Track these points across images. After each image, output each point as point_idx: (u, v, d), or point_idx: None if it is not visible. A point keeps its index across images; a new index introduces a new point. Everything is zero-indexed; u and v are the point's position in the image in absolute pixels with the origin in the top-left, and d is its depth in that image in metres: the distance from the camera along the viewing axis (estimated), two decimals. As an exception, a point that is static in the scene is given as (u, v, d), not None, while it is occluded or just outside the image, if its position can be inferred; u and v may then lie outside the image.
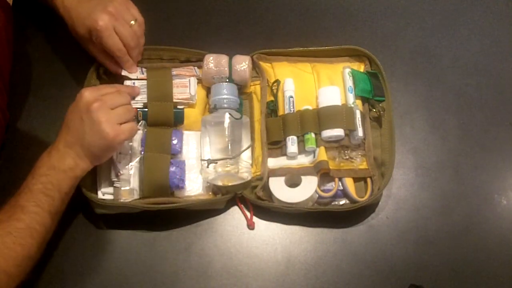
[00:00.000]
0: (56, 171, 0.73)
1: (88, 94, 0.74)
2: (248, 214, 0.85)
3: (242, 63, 0.88)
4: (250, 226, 0.85)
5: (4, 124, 0.88)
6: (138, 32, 0.86)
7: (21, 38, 0.96)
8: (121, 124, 0.75)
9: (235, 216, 0.86)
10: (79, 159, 0.75)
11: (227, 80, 0.88)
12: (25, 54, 0.97)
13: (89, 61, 0.90)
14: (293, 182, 0.84)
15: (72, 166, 0.74)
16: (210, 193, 0.84)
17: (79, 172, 0.75)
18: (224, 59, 0.89)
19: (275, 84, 0.89)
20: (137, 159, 0.83)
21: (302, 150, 0.85)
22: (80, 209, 0.85)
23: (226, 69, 0.88)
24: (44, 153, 0.75)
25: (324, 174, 0.83)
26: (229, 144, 0.83)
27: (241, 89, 0.91)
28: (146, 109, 0.85)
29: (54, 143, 0.75)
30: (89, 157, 0.75)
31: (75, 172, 0.74)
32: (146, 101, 0.85)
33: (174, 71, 0.89)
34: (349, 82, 0.88)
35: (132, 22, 0.85)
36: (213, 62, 0.88)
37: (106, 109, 0.74)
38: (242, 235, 0.85)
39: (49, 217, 0.72)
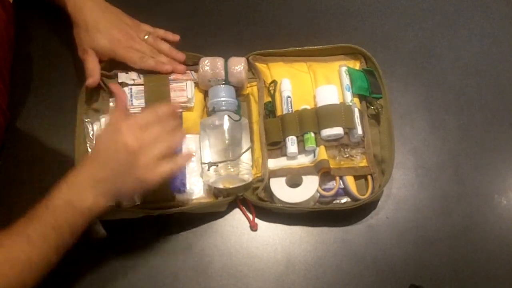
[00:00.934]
0: (73, 209, 0.67)
1: (129, 134, 0.68)
2: (250, 215, 0.85)
3: (238, 65, 0.88)
4: (253, 227, 0.85)
5: (4, 124, 0.88)
6: (154, 43, 0.90)
7: (21, 38, 0.96)
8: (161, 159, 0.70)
9: (235, 216, 0.86)
10: (102, 197, 0.68)
11: (224, 82, 0.88)
12: (25, 54, 0.97)
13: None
14: (294, 182, 0.84)
15: (91, 205, 0.68)
16: (212, 196, 0.84)
17: (98, 211, 0.69)
18: (219, 61, 0.88)
19: (272, 84, 0.89)
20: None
21: (302, 150, 0.85)
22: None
23: (222, 71, 0.87)
24: (63, 183, 0.68)
25: (324, 173, 0.83)
26: (229, 146, 0.83)
27: (238, 91, 0.90)
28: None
29: (75, 171, 0.69)
30: (114, 196, 0.71)
31: (93, 212, 0.68)
32: (144, 106, 0.85)
33: (171, 76, 0.89)
34: (346, 81, 0.88)
35: (146, 37, 0.90)
36: (209, 65, 0.88)
37: (149, 151, 0.69)
38: (242, 236, 0.85)
39: (54, 253, 0.67)
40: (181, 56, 0.90)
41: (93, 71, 0.85)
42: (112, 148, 0.69)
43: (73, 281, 0.81)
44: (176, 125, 0.75)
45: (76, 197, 0.67)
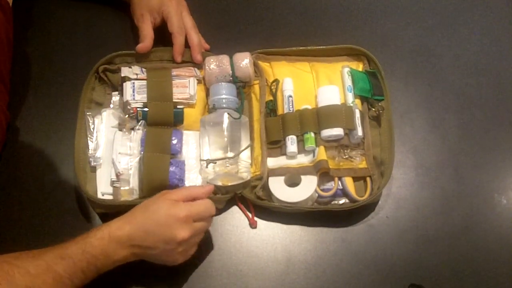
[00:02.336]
0: (106, 259, 0.71)
1: (184, 228, 0.72)
2: (249, 213, 0.85)
3: (244, 59, 0.89)
4: (253, 225, 0.85)
5: (5, 124, 0.88)
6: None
7: (21, 38, 0.96)
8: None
9: (235, 215, 0.86)
10: (133, 256, 0.73)
11: (231, 78, 0.88)
12: (25, 54, 0.97)
13: (89, 61, 0.90)
14: (292, 181, 0.84)
15: (123, 259, 0.73)
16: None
17: (125, 262, 0.74)
18: (225, 58, 0.89)
19: (274, 83, 0.89)
20: (137, 159, 0.83)
21: (301, 149, 0.85)
22: (80, 208, 0.85)
23: (228, 67, 0.88)
24: (106, 233, 0.71)
25: (323, 173, 0.83)
26: (228, 144, 0.83)
27: (245, 85, 0.91)
28: (146, 109, 0.85)
29: (121, 225, 0.72)
30: (144, 258, 0.75)
31: (121, 262, 0.73)
32: (146, 101, 0.85)
33: (174, 72, 0.89)
34: (348, 81, 0.88)
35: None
36: (215, 62, 0.89)
37: (191, 242, 0.75)
38: (242, 235, 0.85)
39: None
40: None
41: (146, 37, 0.91)
42: (163, 229, 0.72)
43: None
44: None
45: (113, 252, 0.71)
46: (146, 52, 0.91)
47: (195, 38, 0.92)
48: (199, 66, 0.91)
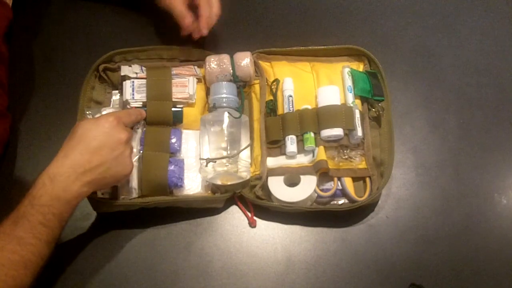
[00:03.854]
0: (60, 202, 0.67)
1: (122, 129, 0.74)
2: (248, 213, 0.85)
3: (245, 59, 0.89)
4: (252, 224, 0.85)
5: (8, 127, 0.88)
6: None
7: (21, 38, 0.96)
8: None
9: (235, 215, 0.86)
10: (87, 187, 0.70)
11: (232, 77, 0.88)
12: (25, 54, 0.97)
13: (89, 61, 0.90)
14: (292, 181, 0.84)
15: (78, 195, 0.69)
16: (209, 192, 0.84)
17: (81, 199, 0.71)
18: (226, 58, 0.89)
19: (274, 83, 0.89)
20: (136, 157, 0.83)
21: (301, 149, 0.85)
22: (79, 208, 0.85)
23: (229, 66, 0.88)
24: (45, 178, 0.67)
25: (323, 173, 0.83)
26: (228, 143, 0.83)
27: (246, 85, 0.91)
28: (145, 108, 0.85)
29: (57, 162, 0.69)
30: (97, 185, 0.72)
31: (78, 200, 0.70)
32: (145, 100, 0.85)
33: (174, 70, 0.89)
34: (349, 82, 0.88)
35: None
36: (216, 62, 0.89)
37: (130, 143, 0.76)
38: (242, 234, 0.85)
39: (47, 247, 0.67)
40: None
41: (183, 13, 0.88)
42: (104, 139, 0.71)
43: (72, 281, 0.81)
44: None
45: (63, 191, 0.68)
46: (191, 30, 0.89)
47: (207, 11, 0.89)
48: (199, 64, 0.91)
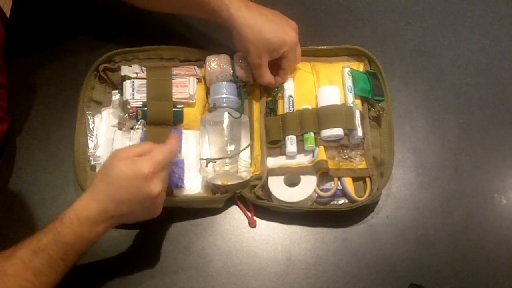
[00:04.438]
0: (83, 241, 0.68)
1: (154, 182, 0.69)
2: (248, 212, 0.85)
3: (245, 60, 0.88)
4: (252, 224, 0.85)
5: (5, 130, 0.88)
6: None
7: (21, 38, 0.96)
8: None
9: (235, 215, 0.86)
10: (110, 227, 0.71)
11: (232, 78, 0.88)
12: (25, 54, 0.97)
13: (89, 61, 0.90)
14: (292, 181, 0.84)
15: (102, 234, 0.70)
16: (209, 192, 0.84)
17: (103, 235, 0.71)
18: (226, 58, 0.89)
19: (276, 89, 0.89)
20: (137, 158, 0.83)
21: (301, 149, 0.85)
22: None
23: (229, 67, 0.88)
24: (73, 217, 0.67)
25: (323, 173, 0.83)
26: (228, 143, 0.83)
27: (246, 85, 0.91)
28: (146, 108, 0.85)
29: (88, 207, 0.68)
30: (121, 223, 0.72)
31: (101, 238, 0.70)
32: (145, 100, 0.85)
33: (174, 71, 0.89)
34: (349, 82, 0.88)
35: None
36: (216, 62, 0.89)
37: (163, 192, 0.72)
38: (242, 234, 0.85)
39: (60, 277, 0.68)
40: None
41: (272, 79, 0.86)
42: (134, 193, 0.69)
43: (72, 280, 0.81)
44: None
45: (87, 231, 0.68)
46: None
47: (291, 68, 0.88)
48: (199, 64, 0.91)
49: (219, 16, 0.81)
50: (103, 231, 0.70)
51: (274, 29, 0.82)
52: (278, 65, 0.87)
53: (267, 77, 0.86)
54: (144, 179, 0.68)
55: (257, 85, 0.92)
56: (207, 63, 0.89)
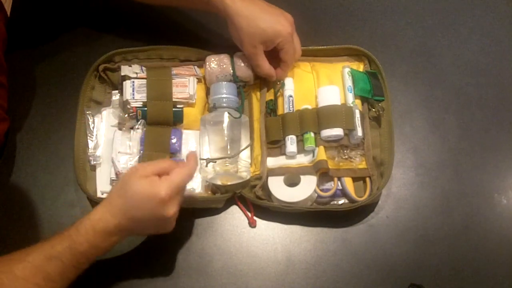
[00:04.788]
0: (96, 250, 0.70)
1: (170, 205, 0.70)
2: (248, 212, 0.85)
3: (245, 60, 0.89)
4: (252, 224, 0.85)
5: (5, 130, 0.88)
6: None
7: (21, 38, 0.96)
8: None
9: (235, 215, 0.86)
10: (123, 238, 0.73)
11: (232, 78, 0.88)
12: (25, 54, 0.97)
13: (89, 61, 0.90)
14: (292, 181, 0.84)
15: (114, 244, 0.72)
16: (209, 192, 0.84)
17: (115, 245, 0.73)
18: (226, 58, 0.89)
19: (278, 84, 0.89)
20: (136, 158, 0.83)
21: (301, 149, 0.85)
22: (79, 207, 0.85)
23: (229, 67, 0.88)
24: (89, 228, 0.68)
25: (323, 173, 0.83)
26: (228, 143, 0.83)
27: (246, 85, 0.91)
28: (146, 108, 0.85)
29: (105, 220, 0.69)
30: (132, 235, 0.75)
31: (113, 247, 0.72)
32: (145, 100, 0.85)
33: (174, 70, 0.89)
34: (349, 82, 0.88)
35: None
36: (216, 62, 0.89)
37: (177, 212, 0.73)
38: (242, 234, 0.85)
39: (67, 285, 0.69)
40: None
41: (271, 71, 0.86)
42: (149, 213, 0.70)
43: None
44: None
45: (102, 241, 0.70)
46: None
47: (292, 59, 0.88)
48: (199, 64, 0.91)
49: (214, 6, 0.82)
50: (116, 241, 0.71)
51: (268, 19, 0.82)
52: (278, 58, 0.87)
53: (265, 67, 0.86)
54: (160, 202, 0.69)
55: (258, 85, 0.92)
56: (207, 63, 0.89)
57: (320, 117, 0.85)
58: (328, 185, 0.84)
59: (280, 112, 0.88)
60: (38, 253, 0.67)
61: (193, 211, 0.85)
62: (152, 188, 0.68)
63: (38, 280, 0.65)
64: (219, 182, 0.82)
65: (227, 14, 0.82)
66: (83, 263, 0.69)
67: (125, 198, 0.69)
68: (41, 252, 0.67)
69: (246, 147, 0.84)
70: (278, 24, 0.83)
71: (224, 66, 0.88)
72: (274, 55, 0.87)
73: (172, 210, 0.70)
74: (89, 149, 0.85)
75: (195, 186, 0.84)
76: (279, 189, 0.83)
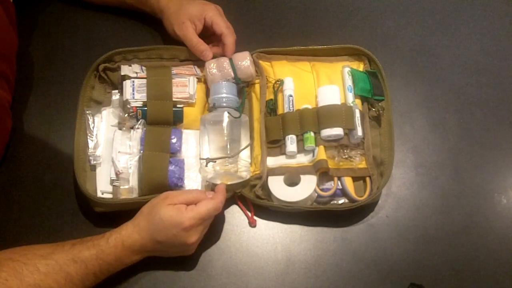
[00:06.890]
0: (118, 263, 0.74)
1: (193, 234, 0.75)
2: (249, 212, 0.85)
3: (244, 60, 0.89)
4: (252, 223, 0.85)
5: (9, 127, 0.89)
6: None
7: (21, 38, 0.96)
8: None
9: (235, 215, 0.86)
10: (144, 257, 0.77)
11: (233, 80, 0.88)
12: (25, 54, 0.97)
13: (89, 61, 0.90)
14: (292, 181, 0.84)
15: (134, 262, 0.76)
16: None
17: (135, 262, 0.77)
18: (225, 61, 0.89)
19: (277, 83, 0.89)
20: (136, 158, 0.83)
21: (301, 149, 0.85)
22: (79, 207, 0.85)
23: (230, 70, 0.88)
24: (119, 242, 0.73)
25: (323, 173, 0.83)
26: (228, 143, 0.83)
27: (248, 84, 0.91)
28: (146, 108, 0.85)
29: (134, 237, 0.74)
30: (153, 255, 0.78)
31: (132, 263, 0.77)
32: (145, 100, 0.85)
33: (174, 70, 0.89)
34: (349, 81, 0.88)
35: None
36: (216, 67, 0.88)
37: (200, 238, 0.77)
38: (242, 234, 0.85)
39: None
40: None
41: (199, 43, 0.89)
42: (172, 238, 0.74)
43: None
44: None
45: (126, 257, 0.75)
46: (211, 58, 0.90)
47: (231, 39, 0.91)
48: (200, 64, 0.91)
49: (151, 8, 0.94)
50: (136, 260, 0.76)
51: (195, 3, 0.91)
52: (217, 37, 0.91)
53: (199, 47, 0.89)
54: (183, 230, 0.73)
55: (258, 85, 0.92)
56: (207, 69, 0.88)
57: (320, 117, 0.85)
58: (328, 185, 0.84)
59: (280, 111, 0.88)
60: (64, 254, 0.70)
61: (193, 211, 0.85)
62: (177, 217, 0.73)
63: (59, 278, 0.69)
64: (219, 182, 0.82)
65: (160, 11, 0.92)
66: (103, 274, 0.73)
67: (152, 222, 0.74)
68: (67, 254, 0.70)
69: (246, 147, 0.84)
70: (203, 4, 0.92)
71: (225, 70, 0.88)
72: (213, 38, 0.93)
73: (194, 238, 0.75)
74: (89, 149, 0.85)
75: (195, 186, 0.84)
76: (279, 188, 0.83)
